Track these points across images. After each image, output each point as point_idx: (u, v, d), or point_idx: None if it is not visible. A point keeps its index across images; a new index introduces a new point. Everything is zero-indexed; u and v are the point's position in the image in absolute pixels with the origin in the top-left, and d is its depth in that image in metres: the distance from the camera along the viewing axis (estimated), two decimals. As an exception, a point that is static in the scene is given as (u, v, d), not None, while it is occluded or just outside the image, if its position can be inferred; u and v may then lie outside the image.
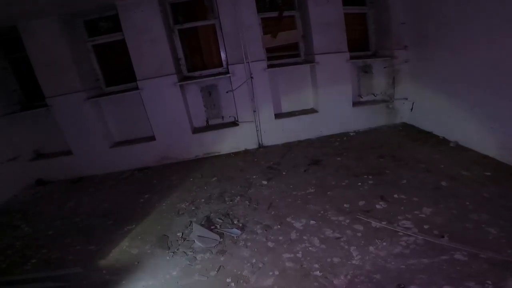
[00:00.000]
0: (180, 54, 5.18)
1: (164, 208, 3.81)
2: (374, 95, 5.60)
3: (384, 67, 5.33)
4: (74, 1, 4.14)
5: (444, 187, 3.28)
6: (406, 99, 5.26)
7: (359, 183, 3.62)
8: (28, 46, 4.65)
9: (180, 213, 3.63)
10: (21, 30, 4.56)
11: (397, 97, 5.34)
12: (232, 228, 3.15)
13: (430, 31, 4.44)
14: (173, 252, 2.92)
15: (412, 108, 5.21)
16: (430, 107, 4.78)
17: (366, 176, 3.75)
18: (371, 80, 5.52)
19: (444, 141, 4.42)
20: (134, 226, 3.51)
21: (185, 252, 2.89)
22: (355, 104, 5.39)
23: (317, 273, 2.37)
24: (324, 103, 5.24)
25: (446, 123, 4.44)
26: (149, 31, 4.65)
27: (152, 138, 5.23)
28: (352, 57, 5.12)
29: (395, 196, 3.24)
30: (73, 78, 4.81)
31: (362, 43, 5.57)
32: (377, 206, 3.12)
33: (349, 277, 2.28)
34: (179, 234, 3.20)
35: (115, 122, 5.42)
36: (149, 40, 4.69)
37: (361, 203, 3.22)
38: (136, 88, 4.91)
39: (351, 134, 5.31)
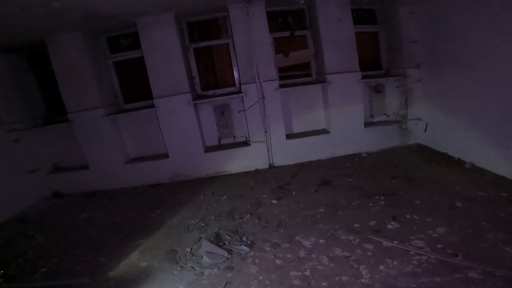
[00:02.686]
0: (195, 73, 5.33)
1: (175, 224, 3.83)
2: (386, 115, 5.57)
3: (397, 87, 5.33)
4: (100, 17, 4.33)
5: (459, 208, 3.20)
6: (420, 119, 5.20)
7: (371, 204, 3.57)
8: (53, 60, 4.87)
9: (190, 229, 3.64)
10: (48, 44, 4.80)
11: (410, 117, 5.29)
12: (240, 245, 3.13)
13: (442, 49, 4.43)
14: (181, 267, 2.92)
15: (426, 128, 5.14)
16: (444, 128, 4.71)
17: (378, 197, 3.69)
18: (384, 100, 5.51)
19: (459, 162, 4.33)
20: (144, 240, 3.54)
21: (193, 267, 2.88)
22: (367, 124, 5.37)
23: (325, 291, 2.32)
24: (336, 123, 5.24)
25: (461, 144, 4.35)
26: (166, 48, 4.83)
27: (165, 156, 5.32)
28: (364, 77, 5.13)
29: (408, 216, 3.18)
30: (94, 94, 4.99)
31: (374, 62, 5.61)
32: (389, 226, 3.06)
33: (358, 295, 2.22)
34: (188, 249, 3.20)
35: (131, 139, 5.56)
36: (166, 57, 4.85)
37: (372, 223, 3.17)
38: (152, 105, 5.04)
39: (363, 155, 5.26)
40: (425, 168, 4.35)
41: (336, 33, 4.92)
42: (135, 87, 5.51)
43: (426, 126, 5.12)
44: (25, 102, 5.36)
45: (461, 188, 3.59)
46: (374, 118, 5.59)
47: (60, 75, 4.94)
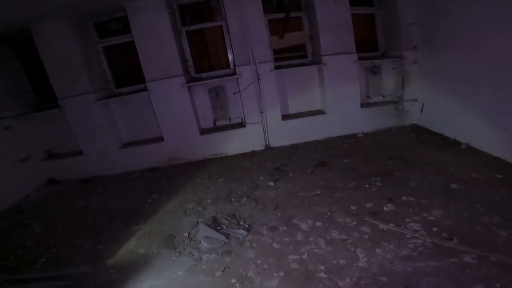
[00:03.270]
0: (188, 56, 5.22)
1: (172, 208, 3.84)
2: (383, 96, 5.53)
3: (393, 68, 5.27)
4: (86, 3, 4.20)
5: (454, 190, 3.22)
6: (416, 100, 5.18)
7: (367, 185, 3.58)
8: (40, 47, 4.74)
9: (187, 213, 3.65)
10: (33, 32, 4.65)
11: (407, 98, 5.27)
12: (238, 229, 3.15)
13: (439, 31, 4.38)
14: (179, 252, 2.94)
15: (422, 109, 5.13)
16: (440, 109, 4.69)
17: (374, 178, 3.70)
18: (380, 81, 5.45)
19: (455, 143, 4.34)
20: (141, 225, 3.55)
21: (191, 253, 2.90)
22: (364, 105, 5.34)
23: (322, 274, 2.35)
24: (332, 104, 5.20)
25: (457, 125, 4.35)
26: (157, 32, 4.71)
27: (160, 139, 5.28)
28: (360, 58, 5.07)
29: (404, 198, 3.19)
30: (84, 80, 4.90)
31: (370, 44, 5.52)
32: (385, 208, 3.08)
33: (354, 279, 2.26)
34: (186, 234, 3.22)
35: (124, 123, 5.49)
36: (157, 41, 4.74)
37: (369, 205, 3.19)
38: (145, 89, 4.97)
39: (359, 135, 5.26)
40: (421, 149, 4.35)
41: (332, 15, 4.81)
42: (126, 71, 5.39)
43: (422, 107, 5.11)
44: (13, 90, 5.24)
45: (456, 170, 3.60)
46: (370, 99, 5.55)
47: (48, 62, 4.83)
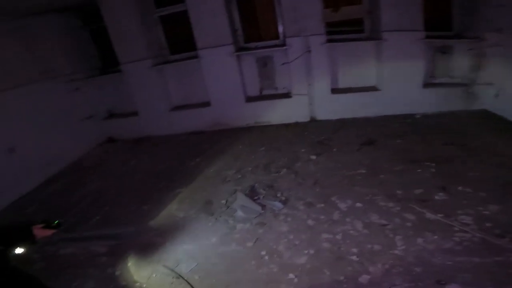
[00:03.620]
0: (237, 25, 5.17)
1: (212, 174, 3.96)
2: (450, 77, 4.91)
3: (469, 49, 4.58)
4: None
5: (519, 186, 2.80)
6: (491, 84, 4.49)
7: (419, 170, 3.28)
8: (105, 16, 5.08)
9: (226, 180, 3.74)
10: (99, 2, 4.95)
11: (480, 81, 4.59)
12: (274, 201, 3.15)
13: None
14: (216, 219, 3.04)
15: (497, 94, 4.44)
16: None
17: (428, 163, 3.36)
18: (449, 61, 4.83)
19: (531, 134, 3.73)
20: (183, 189, 3.73)
21: (226, 220, 2.99)
22: (426, 85, 4.80)
23: (354, 257, 2.28)
24: (389, 81, 4.78)
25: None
26: (209, 2, 4.71)
27: (207, 104, 5.43)
28: (428, 37, 4.52)
29: (459, 188, 2.87)
30: (142, 47, 5.18)
31: (442, 22, 4.86)
32: (436, 197, 2.81)
33: (387, 266, 2.15)
34: (223, 201, 3.31)
35: (175, 88, 5.72)
36: (209, 10, 4.76)
37: (418, 191, 2.93)
38: (196, 56, 5.10)
39: (417, 116, 4.77)
40: (488, 137, 3.79)
41: None
42: (180, 39, 5.53)
43: (498, 92, 4.41)
44: (82, 55, 5.71)
45: (525, 164, 3.11)
46: (435, 79, 4.97)
47: (112, 30, 5.16)
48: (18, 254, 1.73)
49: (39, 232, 1.71)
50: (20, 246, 1.73)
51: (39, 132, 4.66)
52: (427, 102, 4.81)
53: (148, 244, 2.88)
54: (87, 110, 5.64)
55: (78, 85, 5.49)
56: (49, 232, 1.75)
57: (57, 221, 1.79)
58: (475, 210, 2.56)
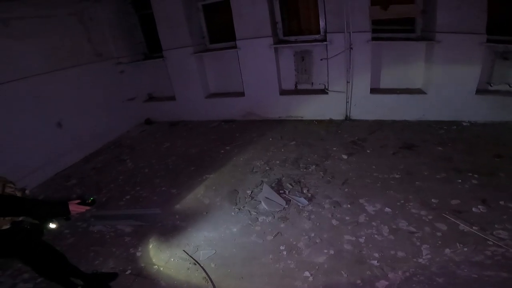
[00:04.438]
0: (278, 18, 5.10)
1: (241, 163, 3.98)
2: (509, 85, 4.46)
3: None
4: None
5: None
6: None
7: (459, 180, 3.07)
8: (153, 4, 5.26)
9: (254, 170, 3.74)
10: (150, -11, 5.14)
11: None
12: (300, 197, 3.10)
13: None
14: (239, 209, 3.06)
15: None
16: None
17: (470, 174, 3.13)
18: (509, 68, 4.38)
19: None
20: (211, 175, 3.79)
21: (249, 211, 2.99)
22: (480, 91, 4.40)
23: (375, 262, 2.18)
24: (437, 85, 4.46)
25: None
26: (251, -9, 4.67)
27: (241, 94, 5.47)
28: (489, 40, 4.11)
29: (501, 202, 2.65)
30: (185, 34, 5.31)
31: (508, 25, 4.36)
32: (474, 209, 2.61)
33: (407, 274, 2.05)
34: (249, 191, 3.31)
35: (213, 76, 5.82)
36: (251, 1, 4.74)
37: (455, 202, 2.75)
38: (235, 47, 5.12)
39: (465, 124, 4.42)
40: (542, 152, 3.43)
41: None
42: (220, 29, 5.59)
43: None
44: (129, 40, 5.98)
45: None
46: (491, 86, 4.54)
47: (158, 17, 5.34)
48: (52, 229, 1.81)
49: (75, 208, 1.76)
50: (55, 221, 1.81)
51: (85, 110, 4.98)
52: (478, 110, 4.44)
53: (171, 228, 2.96)
54: (130, 92, 5.93)
55: (124, 68, 5.78)
56: (84, 208, 1.80)
57: (92, 198, 1.85)
58: (514, 226, 2.35)
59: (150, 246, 2.77)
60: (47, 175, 4.37)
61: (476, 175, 3.11)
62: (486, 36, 4.09)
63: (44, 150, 4.32)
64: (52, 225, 1.81)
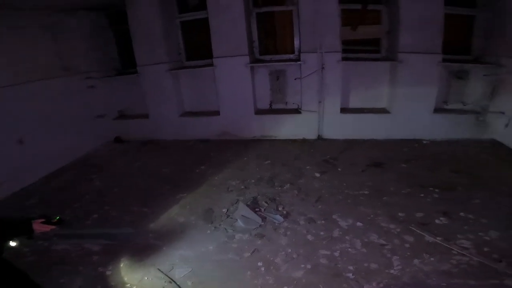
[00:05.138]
0: (255, 37, 5.25)
1: (216, 182, 3.98)
2: (463, 104, 4.90)
3: (484, 75, 4.59)
4: None
5: (523, 215, 2.82)
6: (503, 113, 4.47)
7: (422, 194, 3.31)
8: (130, 18, 5.21)
9: (229, 189, 3.76)
10: (127, 3, 5.11)
11: (492, 109, 4.58)
12: (275, 214, 3.15)
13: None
14: (215, 227, 3.04)
15: (507, 124, 4.42)
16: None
17: (432, 189, 3.39)
18: (464, 87, 4.83)
19: (540, 167, 3.72)
20: (186, 194, 3.74)
21: (225, 229, 2.99)
22: (437, 110, 4.81)
23: (350, 275, 2.27)
24: (400, 104, 4.80)
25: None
26: (230, 11, 4.80)
27: (217, 113, 5.48)
28: (445, 60, 4.54)
29: (461, 214, 2.90)
30: (161, 51, 5.29)
31: (462, 46, 4.90)
32: (437, 221, 2.83)
33: (381, 285, 2.15)
34: (224, 210, 3.31)
35: (188, 94, 5.80)
36: (229, 20, 4.85)
37: (419, 214, 2.95)
38: (211, 64, 5.18)
39: (425, 142, 4.78)
40: (496, 167, 3.81)
41: (419, 12, 4.34)
42: (197, 46, 5.65)
43: (509, 121, 4.39)
44: (102, 55, 5.84)
45: (533, 195, 3.12)
46: (447, 105, 4.96)
47: (134, 32, 5.30)
48: (12, 247, 1.73)
49: (39, 227, 1.71)
50: (16, 240, 1.73)
51: (50, 126, 4.74)
52: (436, 128, 4.82)
53: (144, 247, 2.87)
54: (100, 108, 5.75)
55: (93, 83, 5.60)
56: (48, 227, 1.74)
57: (58, 217, 1.80)
58: (475, 236, 2.58)
59: (122, 265, 2.67)
60: (4, 194, 4.06)
61: (437, 190, 3.36)
62: (442, 56, 4.49)
63: (2, 168, 4.02)
64: (13, 243, 1.72)
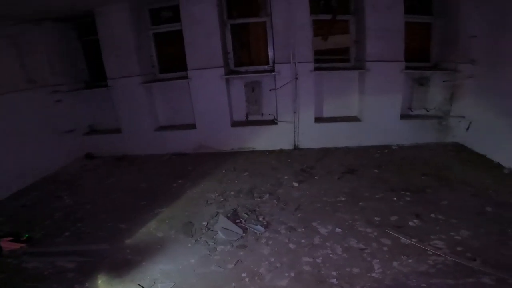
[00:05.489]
0: (230, 49, 5.31)
1: (195, 196, 3.93)
2: (426, 109, 5.24)
3: (444, 81, 4.94)
4: None
5: (488, 213, 3.05)
6: (463, 117, 4.82)
7: (395, 198, 3.46)
8: (100, 29, 5.09)
9: (208, 202, 3.72)
10: (96, 14, 4.99)
11: (453, 114, 4.94)
12: (256, 225, 3.16)
13: (505, 46, 3.99)
14: (196, 240, 3.00)
15: (468, 127, 4.78)
16: (488, 129, 4.35)
17: (403, 192, 3.56)
18: (426, 93, 5.19)
19: (498, 167, 4.03)
20: (164, 209, 3.66)
21: (207, 242, 2.95)
22: (404, 117, 5.10)
23: (334, 280, 2.31)
24: (369, 112, 5.04)
25: (504, 148, 4.02)
26: (204, 23, 4.84)
27: (193, 126, 5.43)
28: (408, 67, 4.84)
29: (432, 215, 3.05)
30: (134, 63, 5.18)
31: (421, 53, 5.25)
32: (410, 223, 2.96)
33: (365, 289, 2.20)
34: (204, 223, 3.27)
35: (162, 107, 5.72)
36: (203, 32, 4.88)
37: (394, 218, 3.08)
38: (186, 77, 5.15)
39: (394, 147, 5.03)
40: (460, 169, 4.09)
41: (382, 21, 4.63)
42: (171, 58, 5.62)
43: (469, 125, 4.75)
44: (70, 67, 5.64)
45: (494, 193, 3.38)
46: (412, 111, 5.29)
47: (105, 44, 5.16)
48: None
49: (7, 245, 1.67)
50: None
51: (13, 143, 4.48)
52: (403, 134, 5.08)
53: (122, 262, 2.78)
54: (68, 123, 5.50)
55: (61, 97, 5.36)
56: (17, 245, 1.70)
57: (26, 235, 1.75)
58: (447, 235, 2.73)
59: (99, 282, 2.56)
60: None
61: (408, 193, 3.54)
62: (405, 63, 4.78)
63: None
64: None
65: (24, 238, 1.72)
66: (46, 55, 5.16)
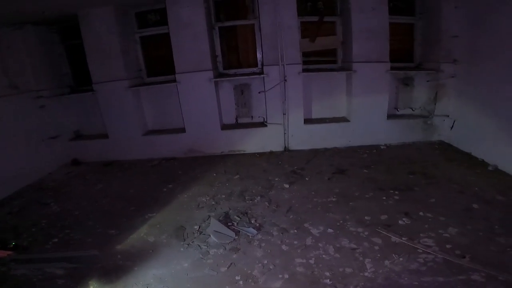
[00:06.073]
0: (218, 51, 5.30)
1: (186, 200, 3.90)
2: (412, 109, 5.37)
3: (427, 81, 5.08)
4: None
5: (475, 210, 3.12)
6: (447, 116, 4.97)
7: (384, 197, 3.51)
8: (84, 33, 4.99)
9: (200, 206, 3.70)
10: (80, 18, 4.91)
11: (437, 113, 5.07)
12: (248, 227, 3.16)
13: (485, 46, 4.12)
14: (188, 244, 2.97)
15: (452, 126, 4.91)
16: (472, 127, 4.49)
17: (392, 191, 3.62)
18: (411, 93, 5.31)
19: (482, 164, 4.16)
20: (155, 214, 3.62)
21: (199, 246, 2.93)
22: (390, 116, 5.20)
23: (327, 281, 2.33)
24: (357, 112, 5.11)
25: (487, 145, 4.16)
26: (191, 26, 4.82)
27: (182, 130, 5.38)
28: (393, 68, 4.94)
29: (421, 213, 3.11)
30: (120, 67, 5.10)
31: (405, 54, 5.37)
32: (400, 222, 3.01)
33: (359, 288, 2.22)
34: (196, 227, 3.25)
35: (151, 112, 5.66)
36: (191, 35, 4.86)
37: (383, 217, 3.12)
38: (174, 80, 5.10)
39: (382, 147, 5.13)
40: (446, 167, 4.20)
41: (368, 22, 4.72)
42: (158, 62, 5.57)
43: (453, 123, 4.89)
44: (53, 71, 5.54)
45: (480, 190, 3.47)
46: (398, 111, 5.40)
47: (89, 48, 5.07)
48: None
49: None
50: None
51: (-2, 149, 4.37)
52: (390, 134, 5.18)
53: (113, 268, 2.73)
54: (52, 129, 5.38)
55: (44, 103, 5.25)
56: (4, 253, 1.66)
57: (13, 243, 1.71)
58: (436, 233, 2.78)
59: None
60: None
61: (396, 192, 3.60)
62: (390, 64, 4.88)
63: None
64: None
65: (11, 245, 1.67)
66: (29, 59, 5.05)
